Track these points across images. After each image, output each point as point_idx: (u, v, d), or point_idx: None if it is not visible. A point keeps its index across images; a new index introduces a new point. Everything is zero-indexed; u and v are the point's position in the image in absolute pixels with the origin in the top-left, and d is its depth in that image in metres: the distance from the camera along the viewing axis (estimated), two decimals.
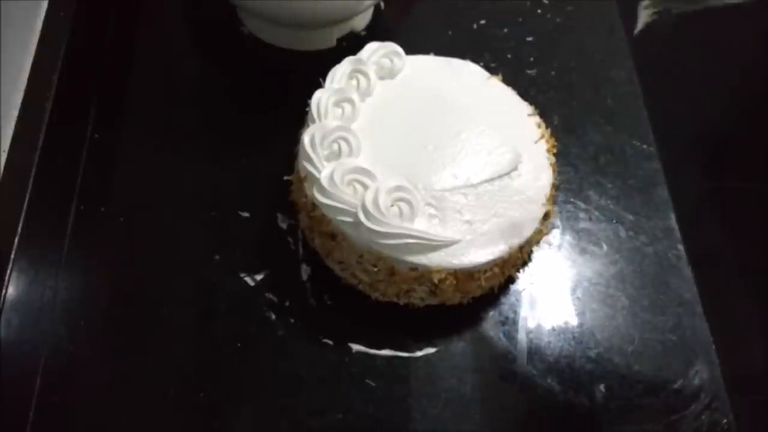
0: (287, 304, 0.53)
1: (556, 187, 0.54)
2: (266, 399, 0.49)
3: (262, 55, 0.67)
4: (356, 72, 0.54)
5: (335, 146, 0.49)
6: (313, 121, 0.51)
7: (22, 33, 0.57)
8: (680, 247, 0.59)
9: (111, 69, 0.64)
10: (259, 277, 0.54)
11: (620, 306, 0.55)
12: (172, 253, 0.55)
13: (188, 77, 0.66)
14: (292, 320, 0.52)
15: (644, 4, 0.79)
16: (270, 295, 0.53)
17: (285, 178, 0.54)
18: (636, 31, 0.75)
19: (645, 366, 0.53)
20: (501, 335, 0.53)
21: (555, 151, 0.54)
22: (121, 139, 0.60)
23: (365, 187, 0.48)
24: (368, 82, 0.53)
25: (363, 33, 0.69)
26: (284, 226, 0.56)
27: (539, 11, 0.72)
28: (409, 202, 0.47)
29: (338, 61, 0.54)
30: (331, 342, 0.51)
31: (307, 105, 0.52)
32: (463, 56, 0.58)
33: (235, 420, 0.48)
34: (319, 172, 0.48)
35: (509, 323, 0.54)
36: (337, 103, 0.52)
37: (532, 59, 0.68)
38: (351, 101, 0.52)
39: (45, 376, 0.49)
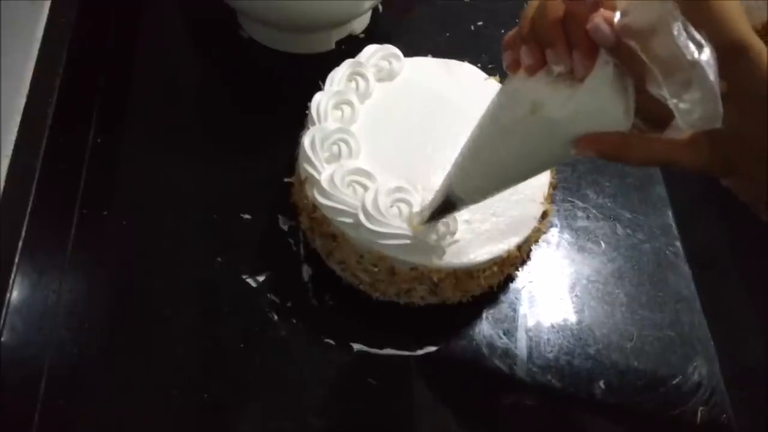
0: (289, 304, 0.53)
1: (554, 186, 0.54)
2: (269, 398, 0.50)
3: (261, 58, 0.68)
4: (355, 74, 0.54)
5: (335, 148, 0.50)
6: (313, 124, 0.51)
7: (23, 39, 0.57)
8: (678, 243, 0.59)
9: (112, 74, 0.65)
10: (261, 279, 0.54)
11: (619, 303, 0.56)
12: (174, 256, 0.55)
13: (189, 81, 0.67)
14: (294, 320, 0.52)
15: None
16: (272, 296, 0.53)
17: (286, 180, 0.54)
18: None
19: (644, 362, 0.53)
20: (501, 333, 0.53)
21: None
22: (122, 143, 0.61)
23: (365, 188, 0.48)
24: (367, 84, 0.54)
25: (361, 36, 0.69)
26: (285, 227, 0.57)
27: None
28: (408, 203, 0.48)
29: (337, 63, 0.54)
30: (332, 342, 0.52)
31: (307, 107, 0.52)
32: (461, 57, 0.58)
33: (238, 419, 0.49)
34: (320, 173, 0.48)
35: (509, 321, 0.54)
36: (337, 106, 0.52)
37: None
38: (350, 103, 0.52)
39: (49, 379, 0.49)
